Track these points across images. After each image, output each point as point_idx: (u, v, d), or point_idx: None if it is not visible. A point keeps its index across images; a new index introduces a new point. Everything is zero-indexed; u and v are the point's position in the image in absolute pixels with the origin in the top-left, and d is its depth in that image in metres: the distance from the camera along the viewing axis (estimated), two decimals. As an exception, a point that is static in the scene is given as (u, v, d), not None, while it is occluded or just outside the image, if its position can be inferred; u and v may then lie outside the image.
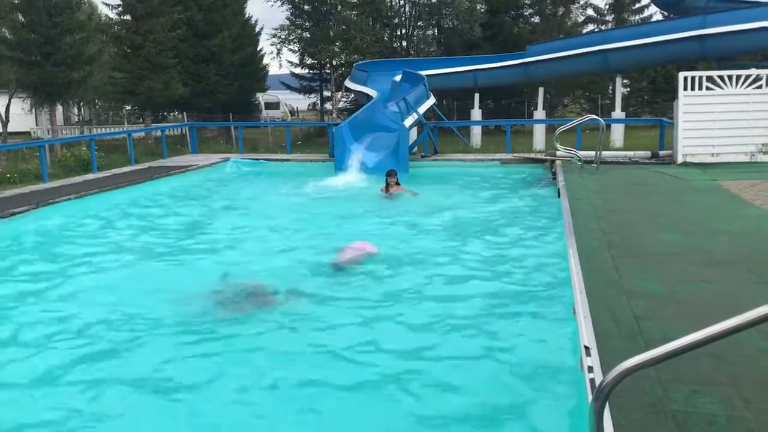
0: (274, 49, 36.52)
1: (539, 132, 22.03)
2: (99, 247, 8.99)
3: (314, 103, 54.93)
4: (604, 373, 3.89)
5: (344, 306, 6.62)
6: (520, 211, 10.94)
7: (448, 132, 19.81)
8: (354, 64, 24.24)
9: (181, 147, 21.54)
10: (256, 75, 41.35)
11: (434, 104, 17.78)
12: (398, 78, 19.42)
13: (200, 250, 8.77)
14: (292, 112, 58.47)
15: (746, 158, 13.92)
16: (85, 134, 23.20)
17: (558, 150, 14.03)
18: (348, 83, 22.57)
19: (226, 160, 16.35)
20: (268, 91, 51.97)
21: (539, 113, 23.44)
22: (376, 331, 5.95)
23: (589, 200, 9.62)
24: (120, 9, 26.99)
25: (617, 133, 20.35)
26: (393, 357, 5.38)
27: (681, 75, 13.97)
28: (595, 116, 13.28)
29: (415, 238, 9.18)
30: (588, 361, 4.01)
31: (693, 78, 13.95)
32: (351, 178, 14.54)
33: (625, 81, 39.07)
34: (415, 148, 16.59)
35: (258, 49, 41.10)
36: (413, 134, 16.90)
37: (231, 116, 30.36)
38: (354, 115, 17.02)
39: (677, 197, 9.97)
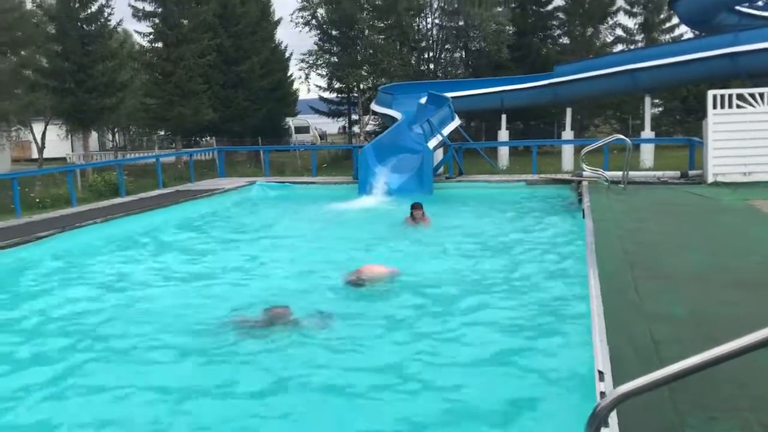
0: (302, 73, 37.01)
1: (567, 153, 21.83)
2: (122, 268, 9.06)
3: (344, 127, 55.45)
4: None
5: (365, 326, 6.57)
6: (544, 232, 10.76)
7: (475, 153, 19.70)
8: (379, 88, 24.37)
9: (210, 171, 21.77)
10: (285, 100, 41.88)
11: (459, 126, 17.72)
12: (423, 100, 19.45)
13: (222, 272, 8.77)
14: (322, 136, 59.01)
15: (779, 177, 13.55)
16: (114, 159, 23.63)
17: (584, 170, 13.82)
18: (374, 106, 22.68)
19: (253, 183, 16.45)
20: (298, 116, 52.62)
21: (567, 134, 23.24)
22: (399, 354, 5.85)
23: (614, 220, 9.42)
24: (152, 36, 27.59)
25: (647, 153, 20.04)
26: (415, 383, 5.27)
27: (710, 93, 13.70)
28: (621, 136, 13.07)
29: (435, 259, 9.07)
30: (601, 387, 3.86)
31: (723, 96, 13.67)
32: (375, 200, 14.51)
33: (657, 101, 38.70)
34: (440, 170, 16.52)
35: (288, 74, 41.67)
36: (438, 156, 16.84)
37: (260, 140, 30.67)
38: (378, 137, 17.05)
39: (705, 217, 9.72)
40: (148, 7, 27.05)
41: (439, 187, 15.31)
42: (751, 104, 13.58)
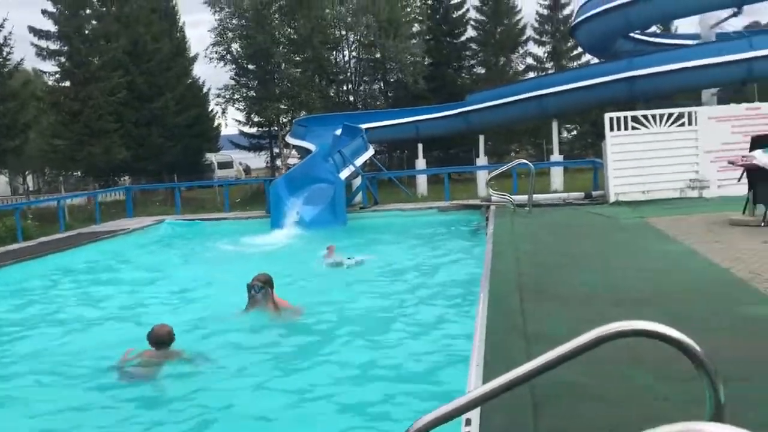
0: (219, 108, 36.61)
1: (482, 179, 22.15)
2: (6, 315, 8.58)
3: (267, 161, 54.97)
4: (481, 426, 3.71)
5: (253, 360, 6.39)
6: (447, 257, 10.80)
7: (392, 183, 19.84)
8: (294, 120, 24.32)
9: (122, 211, 21.06)
10: (206, 135, 41.22)
11: (374, 155, 17.80)
12: (339, 132, 19.50)
13: (111, 315, 8.41)
14: (247, 171, 58.20)
15: (676, 194, 14.13)
16: (11, 203, 22.64)
17: (492, 195, 14.06)
18: (289, 138, 22.57)
19: (160, 222, 15.99)
20: (221, 151, 51.82)
21: (481, 160, 23.70)
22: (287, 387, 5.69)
23: (513, 243, 9.54)
24: (58, 76, 26.75)
25: (556, 176, 20.64)
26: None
27: (607, 116, 14.24)
28: (524, 161, 13.39)
29: (342, 290, 8.95)
30: (468, 414, 3.80)
31: (619, 118, 14.22)
32: (287, 233, 14.31)
33: (569, 126, 40.08)
34: (355, 200, 16.49)
35: (209, 109, 41.13)
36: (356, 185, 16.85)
37: (176, 177, 30.00)
38: (291, 169, 16.91)
39: (603, 237, 9.98)
40: (53, 46, 26.28)
41: (354, 218, 15.27)
42: (645, 125, 14.17)
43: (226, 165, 51.98)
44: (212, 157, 48.77)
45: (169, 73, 32.87)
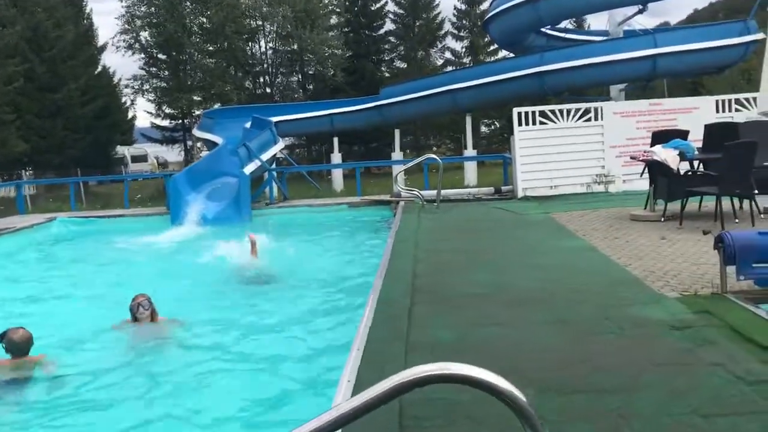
0: (128, 99, 35.09)
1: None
2: None
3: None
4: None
5: (128, 373, 5.87)
6: (356, 256, 10.42)
7: (304, 178, 19.30)
8: (203, 112, 23.43)
9: (13, 208, 19.69)
10: (118, 127, 39.49)
11: (288, 149, 17.23)
12: (248, 125, 18.83)
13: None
14: (164, 165, 56.22)
15: (583, 189, 14.21)
16: None
17: (400, 190, 13.80)
18: (196, 131, 21.71)
19: (52, 220, 14.96)
20: (136, 144, 49.85)
21: (396, 155, 23.47)
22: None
23: (414, 241, 9.25)
24: (-54, 62, 24.90)
25: (470, 171, 20.62)
26: None
27: (515, 111, 14.18)
28: (433, 156, 13.18)
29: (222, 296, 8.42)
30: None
31: (527, 113, 14.19)
32: (187, 230, 13.60)
33: (487, 120, 40.53)
34: (260, 196, 15.90)
35: (122, 101, 39.38)
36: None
37: (79, 172, 28.49)
38: (194, 163, 16.14)
39: (505, 233, 9.82)
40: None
41: (260, 214, 14.68)
42: (552, 120, 14.19)
43: (140, 158, 50.05)
44: (125, 151, 46.86)
45: (73, 61, 31.17)
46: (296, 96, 37.27)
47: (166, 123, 38.10)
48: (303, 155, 38.46)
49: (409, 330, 5.23)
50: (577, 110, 14.22)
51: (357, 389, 4.06)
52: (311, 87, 37.63)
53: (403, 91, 22.42)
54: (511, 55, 26.03)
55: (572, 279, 6.66)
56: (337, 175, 22.91)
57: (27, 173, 33.74)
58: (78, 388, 5.67)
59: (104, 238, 13.57)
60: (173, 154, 57.09)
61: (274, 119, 21.38)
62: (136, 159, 49.08)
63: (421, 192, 13.88)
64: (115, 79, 39.02)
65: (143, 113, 59.33)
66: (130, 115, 42.94)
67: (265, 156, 16.11)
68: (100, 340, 6.89)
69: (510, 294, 6.22)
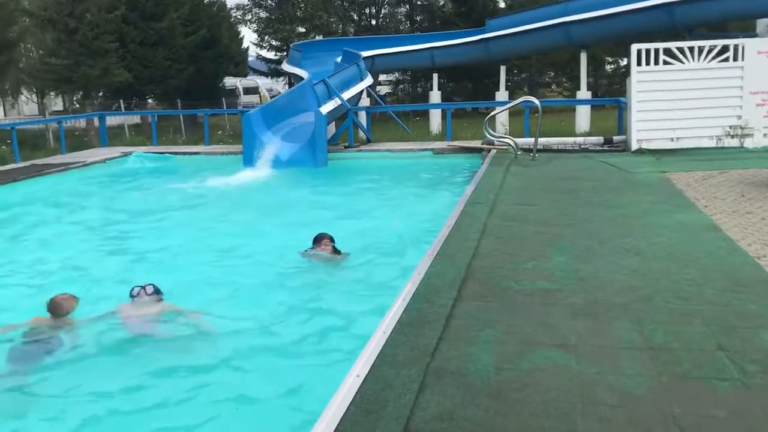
0: (240, 30, 34.46)
1: (502, 115, 20.00)
2: None
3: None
4: None
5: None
6: (424, 218, 8.98)
7: (397, 118, 17.83)
8: (292, 45, 22.24)
9: (115, 139, 19.53)
10: (230, 59, 39.17)
11: (371, 86, 15.85)
12: (339, 59, 17.55)
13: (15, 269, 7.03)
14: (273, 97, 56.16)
15: (711, 143, 12.02)
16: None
17: (491, 137, 12.17)
18: (285, 65, 20.59)
19: (128, 154, 14.47)
20: (249, 76, 49.92)
21: (501, 94, 21.42)
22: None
23: (491, 204, 7.73)
24: (52, -10, 24.93)
25: (582, 115, 18.37)
26: None
27: (633, 47, 12.01)
28: (531, 98, 11.37)
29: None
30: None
31: (648, 51, 12.00)
32: (257, 174, 12.68)
33: (610, 58, 36.95)
34: (339, 138, 14.68)
35: (237, 31, 38.89)
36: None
37: (178, 104, 28.38)
38: (272, 100, 15.09)
39: (604, 198, 8.07)
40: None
41: (335, 158, 13.49)
42: (680, 60, 11.94)
43: (251, 91, 50.14)
44: (237, 82, 46.94)
45: (175, -11, 30.70)
46: (403, 29, 35.40)
47: (271, 55, 37.43)
48: (408, 92, 36.83)
49: (439, 344, 3.87)
50: (712, 48, 11.86)
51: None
52: (419, 18, 35.58)
53: (511, 23, 20.20)
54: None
55: (679, 275, 5.01)
56: (435, 116, 21.20)
57: (145, 102, 34.33)
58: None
59: (179, 174, 12.91)
60: (282, 87, 57.00)
61: (369, 53, 19.97)
62: (247, 91, 49.16)
63: (517, 140, 12.15)
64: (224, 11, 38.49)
65: (249, 45, 59.37)
66: (244, 46, 42.51)
67: (349, 93, 14.79)
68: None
69: (588, 294, 4.69)
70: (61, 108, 40.88)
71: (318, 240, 7.06)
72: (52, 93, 27.94)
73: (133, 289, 5.61)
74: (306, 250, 7.03)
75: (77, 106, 28.48)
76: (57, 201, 10.72)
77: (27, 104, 41.43)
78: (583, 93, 19.17)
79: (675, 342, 3.82)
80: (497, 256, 5.72)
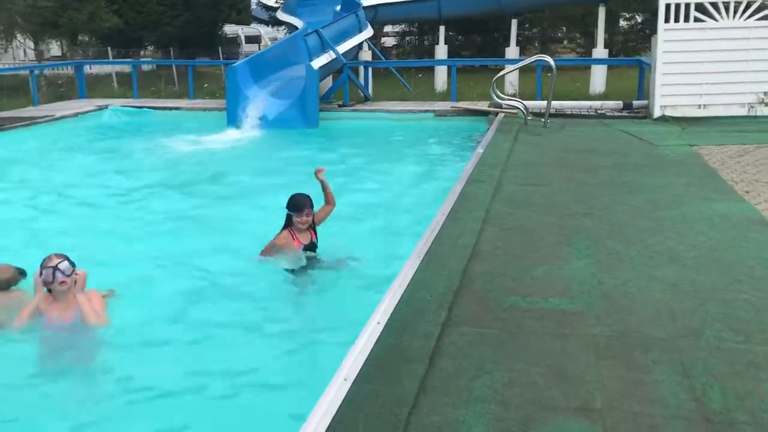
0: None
1: (511, 74, 18.66)
2: None
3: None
4: None
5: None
6: (420, 191, 7.91)
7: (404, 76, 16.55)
8: (288, -10, 20.72)
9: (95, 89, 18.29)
10: (233, 5, 37.47)
11: (371, 39, 14.55)
12: (339, 8, 16.20)
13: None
14: (277, 47, 54.39)
15: (743, 111, 10.84)
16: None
17: (499, 100, 10.98)
18: (279, 13, 19.15)
19: (103, 108, 13.31)
20: (252, 24, 48.18)
21: (512, 50, 19.98)
22: None
23: (496, 182, 6.63)
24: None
25: (598, 75, 17.01)
26: None
27: (662, 2, 10.70)
28: (544, 57, 10.14)
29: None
30: None
31: (678, 6, 10.70)
32: (241, 135, 11.55)
33: (626, 14, 35.15)
34: (333, 95, 13.47)
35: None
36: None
37: (171, 53, 27.01)
38: (260, 51, 13.83)
39: (629, 178, 6.96)
40: None
41: (328, 118, 12.32)
42: (712, 17, 10.65)
43: (253, 39, 48.47)
44: (239, 30, 45.27)
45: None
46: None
47: (272, 2, 35.76)
48: (414, 44, 35.17)
49: (417, 401, 2.85)
50: (750, 3, 10.56)
51: None
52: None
53: (525, -28, 18.71)
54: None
55: (730, 293, 3.96)
56: (440, 71, 19.84)
57: (144, 51, 32.79)
58: None
59: (154, 132, 11.80)
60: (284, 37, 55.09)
61: (371, 2, 18.55)
62: (249, 40, 47.51)
63: (527, 103, 10.96)
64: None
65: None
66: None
67: (345, 46, 13.53)
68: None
69: (615, 320, 3.64)
70: (59, 54, 39.43)
71: (299, 207, 5.25)
72: (47, 38, 26.53)
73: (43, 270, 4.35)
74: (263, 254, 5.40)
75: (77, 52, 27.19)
76: (12, 158, 9.63)
77: (21, 49, 40.01)
78: (600, 51, 17.74)
79: (739, 410, 2.78)
80: (500, 257, 4.66)
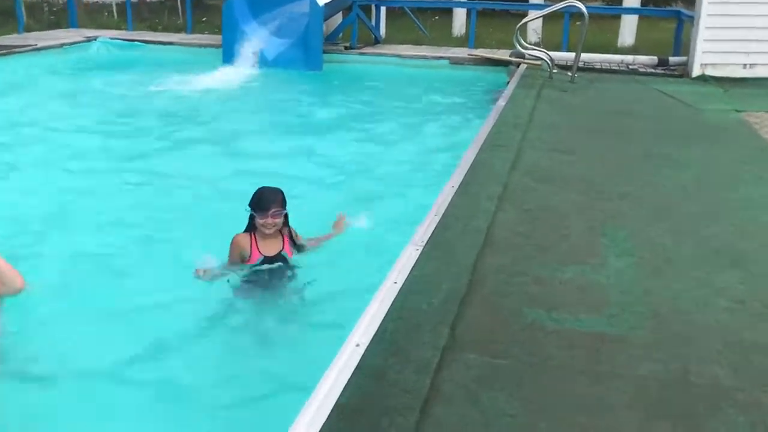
0: None
1: (536, 21, 17.32)
2: None
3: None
4: None
5: None
6: (426, 161, 6.90)
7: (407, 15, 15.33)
8: None
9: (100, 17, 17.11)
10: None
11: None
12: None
13: None
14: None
15: (793, 73, 9.72)
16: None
17: (523, 49, 9.90)
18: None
19: (92, 39, 12.29)
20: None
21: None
22: None
23: (517, 149, 5.68)
24: None
25: (628, 26, 15.70)
26: None
27: (712, -56, 9.48)
28: (575, 2, 9.01)
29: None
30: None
31: (730, -50, 9.49)
32: (237, 75, 10.56)
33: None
34: (340, 36, 12.36)
35: None
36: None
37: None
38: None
39: (671, 149, 5.99)
40: None
41: (332, 60, 11.26)
42: (768, -36, 9.45)
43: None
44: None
45: None
46: None
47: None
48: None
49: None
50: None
51: None
52: None
53: None
54: None
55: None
56: (459, 14, 18.50)
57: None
58: None
59: (148, 68, 10.81)
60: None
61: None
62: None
63: (552, 54, 9.87)
64: None
65: None
66: None
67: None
68: None
69: (670, 354, 2.77)
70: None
71: (263, 205, 3.89)
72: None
73: None
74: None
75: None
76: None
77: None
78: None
79: None
80: (520, 248, 3.76)
